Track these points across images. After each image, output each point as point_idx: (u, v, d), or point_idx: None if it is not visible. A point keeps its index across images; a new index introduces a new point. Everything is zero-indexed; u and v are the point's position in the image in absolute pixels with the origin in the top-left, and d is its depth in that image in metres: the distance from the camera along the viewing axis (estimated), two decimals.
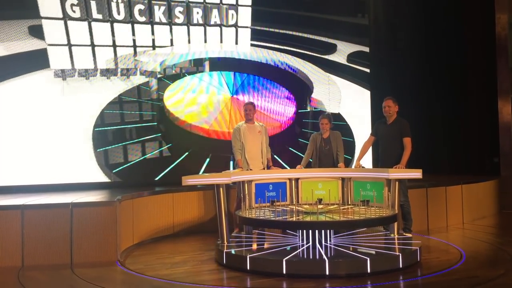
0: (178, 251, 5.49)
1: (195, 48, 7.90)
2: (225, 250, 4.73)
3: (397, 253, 4.53)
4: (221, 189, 5.10)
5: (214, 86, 8.03)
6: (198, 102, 7.88)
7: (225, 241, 5.04)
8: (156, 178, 7.49)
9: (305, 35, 8.76)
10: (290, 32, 8.66)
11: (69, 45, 7.05)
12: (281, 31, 8.58)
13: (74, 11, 7.05)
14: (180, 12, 7.73)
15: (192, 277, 4.38)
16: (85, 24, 7.13)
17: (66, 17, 7.00)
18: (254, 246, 5.03)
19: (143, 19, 7.50)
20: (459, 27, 8.91)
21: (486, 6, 8.54)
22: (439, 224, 6.76)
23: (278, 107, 8.48)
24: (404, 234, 5.48)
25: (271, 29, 8.48)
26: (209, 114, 7.93)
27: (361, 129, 8.62)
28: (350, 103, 8.95)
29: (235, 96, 8.08)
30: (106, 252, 4.96)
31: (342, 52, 9.03)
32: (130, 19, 7.41)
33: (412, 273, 4.38)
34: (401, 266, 4.42)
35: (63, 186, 6.71)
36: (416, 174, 5.19)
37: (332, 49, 8.95)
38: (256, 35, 8.32)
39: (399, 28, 9.36)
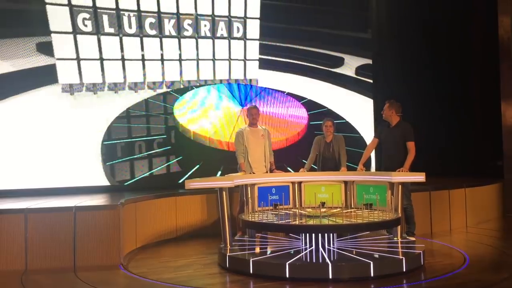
0: (181, 254, 5.49)
1: (202, 65, 7.90)
2: (228, 254, 4.73)
3: (401, 257, 4.52)
4: (224, 192, 5.10)
5: (223, 98, 8.02)
6: (207, 115, 7.87)
7: (228, 245, 5.04)
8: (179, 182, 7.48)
9: (313, 49, 8.76)
10: (298, 47, 8.66)
11: (78, 59, 7.04)
12: (288, 45, 8.58)
13: (86, 25, 7.05)
14: (188, 24, 7.74)
15: (195, 281, 4.37)
16: (94, 38, 7.12)
17: (76, 31, 7.00)
18: (257, 250, 5.03)
19: (153, 32, 7.49)
20: (462, 30, 8.90)
21: (489, 9, 8.53)
22: (443, 227, 6.74)
23: (290, 118, 8.47)
24: (407, 237, 5.47)
25: (278, 44, 8.49)
26: (221, 126, 7.92)
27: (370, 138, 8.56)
28: (359, 114, 8.96)
29: (245, 108, 8.04)
30: (109, 256, 4.97)
31: (350, 65, 9.04)
32: (140, 33, 7.40)
33: (416, 277, 4.37)
34: (404, 270, 4.41)
35: (66, 190, 6.71)
36: (419, 177, 5.18)
37: (339, 62, 8.96)
38: (265, 49, 8.34)
39: (402, 31, 9.34)
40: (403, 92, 8.66)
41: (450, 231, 6.70)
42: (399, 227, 5.16)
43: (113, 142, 7.24)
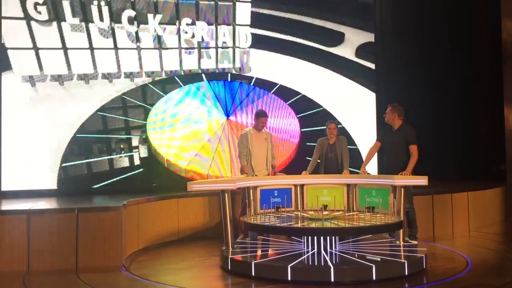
0: (183, 256, 5.49)
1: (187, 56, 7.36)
2: (230, 256, 4.73)
3: (403, 260, 4.51)
4: (226, 195, 5.10)
5: (205, 105, 7.38)
6: (184, 134, 7.26)
7: (230, 247, 5.03)
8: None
9: (309, 21, 8.06)
10: (292, 16, 7.95)
11: (36, 48, 6.45)
12: (283, 14, 7.89)
13: (39, 12, 6.42)
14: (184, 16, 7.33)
15: (197, 283, 4.38)
16: (54, 25, 6.48)
17: (28, 18, 6.37)
18: (259, 252, 5.03)
19: (132, 27, 6.93)
20: (465, 34, 8.90)
21: (492, 13, 8.53)
22: (445, 231, 6.73)
23: (283, 126, 8.00)
24: (410, 241, 5.46)
25: (273, 13, 7.84)
26: (202, 148, 7.33)
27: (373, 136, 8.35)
28: (359, 110, 8.75)
29: (231, 118, 7.51)
30: (111, 257, 4.97)
31: (350, 42, 8.35)
32: (112, 21, 6.86)
33: (418, 280, 4.36)
34: (406, 273, 4.40)
35: (68, 191, 6.73)
36: (422, 181, 5.17)
37: (339, 39, 8.29)
38: (256, 21, 7.71)
39: (405, 35, 9.35)
40: (405, 93, 8.66)
41: (453, 235, 6.68)
42: (401, 230, 5.15)
43: (86, 136, 6.84)
